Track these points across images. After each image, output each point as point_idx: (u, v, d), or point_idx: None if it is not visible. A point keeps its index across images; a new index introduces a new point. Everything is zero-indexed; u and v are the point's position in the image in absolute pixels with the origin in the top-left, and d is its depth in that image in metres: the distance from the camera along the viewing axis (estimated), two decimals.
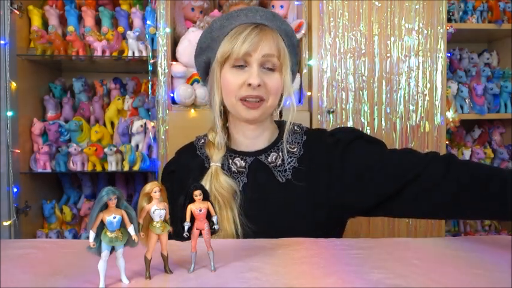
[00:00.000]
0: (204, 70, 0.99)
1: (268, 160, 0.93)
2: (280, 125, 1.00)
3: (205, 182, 0.90)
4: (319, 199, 0.90)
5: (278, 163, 0.93)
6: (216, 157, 0.92)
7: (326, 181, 0.91)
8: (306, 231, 0.80)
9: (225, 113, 0.97)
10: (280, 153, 0.93)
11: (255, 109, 0.89)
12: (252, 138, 0.96)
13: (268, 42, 0.87)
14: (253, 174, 0.93)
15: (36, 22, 1.94)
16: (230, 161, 0.94)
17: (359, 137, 0.94)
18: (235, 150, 0.96)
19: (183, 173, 0.97)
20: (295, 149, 0.94)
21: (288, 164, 0.92)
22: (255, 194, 0.90)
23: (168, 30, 1.68)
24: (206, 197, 0.62)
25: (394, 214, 0.93)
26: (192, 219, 0.61)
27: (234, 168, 0.93)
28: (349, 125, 1.77)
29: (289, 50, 0.94)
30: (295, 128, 0.98)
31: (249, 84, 0.86)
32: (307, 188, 0.90)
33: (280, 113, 1.01)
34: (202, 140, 0.99)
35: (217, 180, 0.89)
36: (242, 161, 0.93)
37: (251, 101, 0.88)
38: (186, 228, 0.60)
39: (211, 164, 0.93)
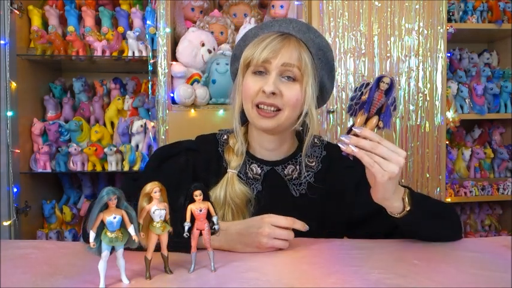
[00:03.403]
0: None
1: (285, 172, 0.93)
2: (300, 136, 0.98)
3: (221, 188, 0.90)
4: (328, 217, 0.91)
5: (294, 176, 0.93)
6: (234, 164, 0.92)
7: (337, 201, 0.92)
8: None
9: (246, 121, 0.95)
10: (298, 167, 0.93)
11: (268, 119, 0.87)
12: (269, 149, 0.94)
13: (289, 51, 0.86)
14: (268, 183, 0.93)
15: (36, 22, 1.94)
16: (247, 166, 0.93)
17: None
18: (254, 156, 0.95)
19: (203, 160, 0.94)
20: (313, 163, 0.94)
21: (304, 178, 0.92)
22: (267, 204, 0.89)
23: (168, 30, 1.68)
24: (206, 197, 0.62)
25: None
26: (192, 219, 0.61)
27: (250, 174, 0.93)
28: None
29: (322, 65, 0.91)
30: (315, 140, 0.97)
31: (264, 91, 0.85)
32: (319, 205, 0.92)
33: (303, 129, 0.96)
34: (225, 137, 0.97)
35: (232, 187, 0.89)
36: (259, 168, 0.93)
37: (266, 109, 0.86)
38: (186, 228, 0.60)
39: (228, 170, 0.92)
